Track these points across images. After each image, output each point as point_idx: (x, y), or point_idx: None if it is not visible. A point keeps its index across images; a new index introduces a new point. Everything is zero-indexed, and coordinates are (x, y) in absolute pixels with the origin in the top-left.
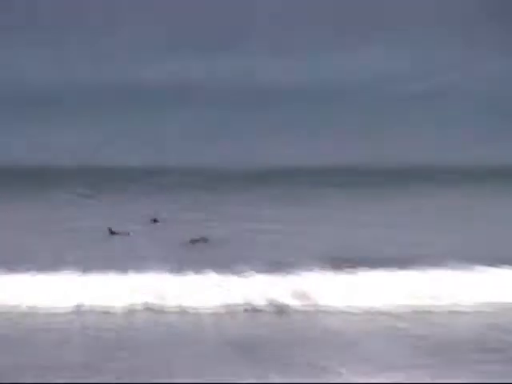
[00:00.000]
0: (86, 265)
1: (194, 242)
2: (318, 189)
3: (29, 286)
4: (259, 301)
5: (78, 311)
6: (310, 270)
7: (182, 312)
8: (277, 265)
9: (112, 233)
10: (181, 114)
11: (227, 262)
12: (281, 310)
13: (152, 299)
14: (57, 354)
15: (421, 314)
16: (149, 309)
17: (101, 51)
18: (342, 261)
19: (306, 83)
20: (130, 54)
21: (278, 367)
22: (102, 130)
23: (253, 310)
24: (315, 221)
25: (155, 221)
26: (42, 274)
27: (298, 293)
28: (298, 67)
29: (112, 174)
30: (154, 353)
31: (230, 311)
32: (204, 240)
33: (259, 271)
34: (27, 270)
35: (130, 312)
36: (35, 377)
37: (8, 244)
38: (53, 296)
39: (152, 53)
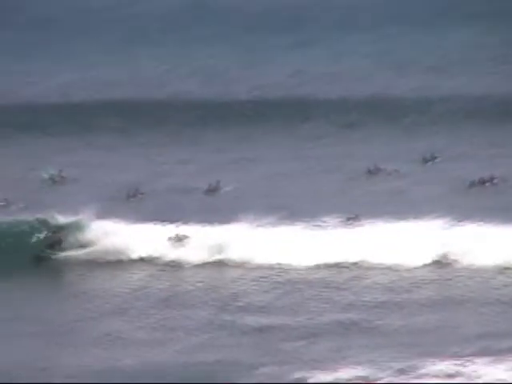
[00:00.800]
0: (352, 211)
1: (476, 184)
2: None
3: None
4: None
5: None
6: None
7: (465, 268)
8: None
9: (374, 172)
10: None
11: None
12: None
13: (426, 254)
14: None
15: None
16: (436, 262)
17: None
18: None
19: None
20: None
21: None
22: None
23: None
24: None
25: (429, 159)
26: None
27: None
28: None
29: (378, 103)
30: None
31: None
32: (491, 181)
33: None
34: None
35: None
36: None
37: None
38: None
39: None
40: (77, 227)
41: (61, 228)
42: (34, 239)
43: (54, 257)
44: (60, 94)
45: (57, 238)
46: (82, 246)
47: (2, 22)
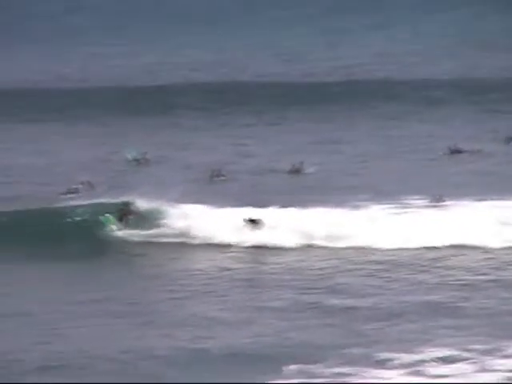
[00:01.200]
0: (436, 191)
1: None
2: None
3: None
4: None
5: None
6: None
7: None
8: None
9: (457, 152)
10: None
11: None
12: None
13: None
14: None
15: None
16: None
17: None
18: None
19: None
20: None
21: None
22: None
23: None
24: None
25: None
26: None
27: None
28: None
29: (460, 83)
30: None
31: None
32: None
33: None
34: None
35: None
36: None
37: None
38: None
39: None
40: (159, 211)
41: (131, 203)
42: (114, 221)
43: (121, 232)
44: (144, 75)
45: (126, 211)
46: (164, 228)
47: (85, 6)
